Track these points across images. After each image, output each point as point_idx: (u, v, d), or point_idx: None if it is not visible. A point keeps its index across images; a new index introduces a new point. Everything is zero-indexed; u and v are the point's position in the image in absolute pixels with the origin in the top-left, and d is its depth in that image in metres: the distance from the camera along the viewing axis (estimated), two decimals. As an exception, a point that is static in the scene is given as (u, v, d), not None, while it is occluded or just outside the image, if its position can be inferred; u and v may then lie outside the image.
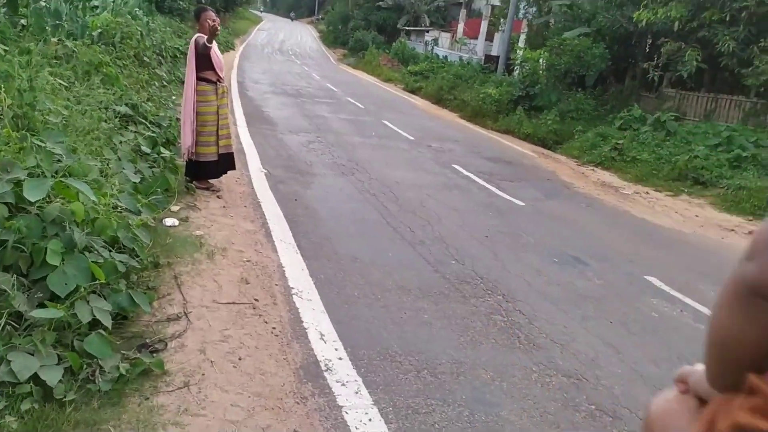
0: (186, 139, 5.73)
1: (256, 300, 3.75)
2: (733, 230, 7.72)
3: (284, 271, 4.34)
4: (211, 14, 5.61)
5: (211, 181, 6.04)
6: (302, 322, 3.58)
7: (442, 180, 8.39)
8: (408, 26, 38.46)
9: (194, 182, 5.87)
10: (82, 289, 2.73)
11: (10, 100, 3.80)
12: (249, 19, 51.29)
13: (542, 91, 15.95)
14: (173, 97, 10.70)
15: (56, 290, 2.66)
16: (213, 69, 5.68)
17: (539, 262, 5.38)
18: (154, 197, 4.90)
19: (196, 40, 5.58)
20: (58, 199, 2.94)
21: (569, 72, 15.66)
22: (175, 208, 5.19)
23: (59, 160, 3.70)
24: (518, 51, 18.97)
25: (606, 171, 10.99)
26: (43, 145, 3.68)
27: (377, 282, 4.39)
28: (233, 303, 3.66)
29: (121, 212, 3.70)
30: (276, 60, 29.30)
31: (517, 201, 7.68)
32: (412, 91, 22.62)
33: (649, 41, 15.59)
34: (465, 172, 9.07)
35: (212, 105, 5.75)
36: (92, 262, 2.89)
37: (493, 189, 8.20)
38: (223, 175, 6.18)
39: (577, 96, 15.30)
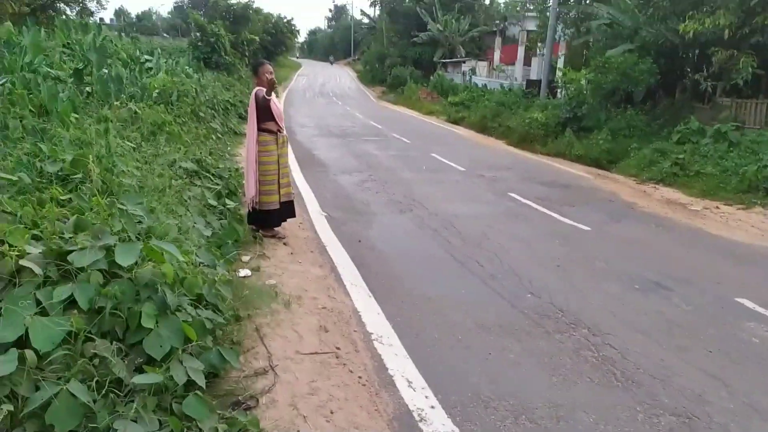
0: (250, 190, 5.84)
1: (338, 348, 3.70)
2: (819, 241, 7.24)
3: (360, 316, 4.28)
4: (269, 67, 5.78)
5: (276, 228, 6.11)
6: (387, 369, 3.49)
7: (500, 210, 8.24)
8: (444, 59, 38.87)
9: (260, 231, 5.94)
10: (177, 351, 2.74)
11: (96, 168, 3.96)
12: (289, 66, 53.05)
13: (590, 111, 15.66)
14: (228, 148, 11.04)
15: (153, 353, 2.68)
16: (273, 120, 5.80)
17: (619, 289, 5.14)
18: (225, 249, 4.98)
19: (256, 93, 5.72)
20: (147, 263, 2.99)
21: (616, 90, 15.36)
22: (246, 258, 5.25)
23: (140, 222, 3.80)
24: (560, 73, 18.77)
25: (669, 188, 10.58)
26: (124, 208, 3.79)
27: (456, 321, 4.28)
28: (316, 353, 3.61)
29: (203, 269, 3.75)
30: (318, 103, 30.02)
31: (583, 226, 7.44)
32: (455, 122, 22.66)
33: (697, 51, 15.15)
34: (523, 200, 8.89)
35: (273, 155, 5.86)
36: (183, 321, 2.90)
37: (555, 215, 7.99)
38: (285, 222, 6.25)
39: (627, 113, 14.95)
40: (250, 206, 5.93)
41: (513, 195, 9.22)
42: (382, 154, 13.39)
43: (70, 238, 3.01)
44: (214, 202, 6.11)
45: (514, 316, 4.45)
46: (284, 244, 5.90)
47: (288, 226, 6.38)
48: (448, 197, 8.91)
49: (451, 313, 4.43)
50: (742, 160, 10.42)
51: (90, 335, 2.59)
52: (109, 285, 2.80)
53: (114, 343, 2.63)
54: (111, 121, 5.12)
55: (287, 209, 6.10)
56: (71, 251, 2.84)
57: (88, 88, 8.48)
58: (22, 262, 2.65)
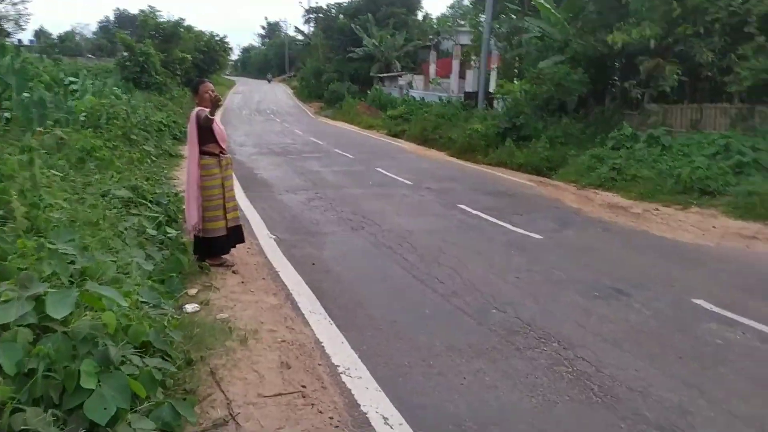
0: (192, 217, 5.48)
1: (303, 387, 3.41)
2: (755, 237, 7.55)
3: (323, 347, 4.01)
4: (210, 85, 5.52)
5: (223, 256, 5.74)
6: (359, 405, 3.24)
7: (453, 223, 8.16)
8: (381, 73, 39.08)
9: (206, 260, 5.56)
10: (125, 412, 2.39)
11: (20, 206, 3.52)
12: (223, 84, 51.93)
13: (527, 120, 16.01)
14: (164, 171, 10.49)
15: (96, 418, 2.32)
16: (215, 141, 5.48)
17: (581, 299, 5.11)
18: (170, 283, 4.60)
19: (197, 114, 5.38)
20: (85, 312, 2.63)
21: (551, 99, 15.78)
22: (192, 291, 4.88)
23: (73, 262, 3.40)
24: (498, 85, 19.15)
25: (608, 192, 10.86)
26: (54, 247, 3.39)
27: (424, 345, 4.08)
28: (280, 394, 3.31)
29: (149, 312, 3.38)
30: (256, 121, 29.41)
31: (535, 235, 7.45)
32: (396, 135, 22.69)
33: (625, 61, 15.78)
34: (473, 211, 8.86)
35: (217, 178, 5.52)
36: (129, 376, 2.56)
37: (507, 225, 7.98)
38: (233, 248, 5.90)
39: (563, 122, 15.38)
40: (193, 234, 5.56)
41: (462, 206, 9.17)
42: (327, 170, 13.14)
43: (-10, 288, 2.61)
44: (153, 232, 5.68)
45: (483, 334, 4.30)
46: (233, 272, 5.55)
47: (236, 252, 6.02)
48: (399, 212, 8.76)
49: (419, 336, 4.23)
50: (676, 163, 10.84)
51: (19, 405, 2.21)
52: (41, 342, 2.42)
53: (49, 411, 2.26)
54: (35, 150, 4.63)
55: (235, 235, 5.76)
56: (-8, 306, 2.45)
57: (7, 114, 7.83)
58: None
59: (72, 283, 3.15)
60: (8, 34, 22.17)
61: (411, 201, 9.71)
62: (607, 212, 9.22)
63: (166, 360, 3.10)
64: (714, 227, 8.12)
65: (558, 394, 3.44)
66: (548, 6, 17.87)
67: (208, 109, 5.27)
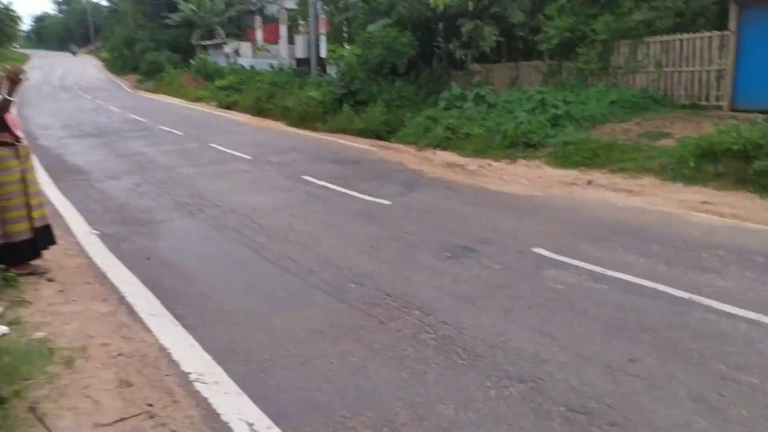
0: None
1: (150, 405, 2.96)
2: (574, 183, 8.33)
3: (170, 354, 3.54)
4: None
5: (32, 263, 4.85)
6: (220, 415, 2.89)
7: (299, 196, 7.86)
8: (203, 41, 36.55)
9: (11, 270, 4.64)
10: None
11: None
12: (14, 58, 44.85)
13: (362, 85, 16.03)
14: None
15: None
16: (8, 129, 4.58)
17: (435, 261, 5.17)
18: (-38, 306, 3.75)
19: None
20: None
21: (383, 63, 15.93)
22: (-4, 310, 4.03)
23: None
24: (330, 50, 18.87)
25: (445, 151, 11.30)
26: None
27: (284, 333, 3.80)
28: (122, 419, 2.83)
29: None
30: (62, 98, 25.96)
31: (383, 201, 7.45)
32: (228, 107, 21.51)
33: (447, 24, 16.40)
34: (319, 182, 8.63)
35: (14, 172, 4.63)
36: None
37: (354, 193, 7.88)
38: (45, 252, 5.03)
39: (396, 85, 15.64)
40: None
41: (307, 178, 8.90)
42: (154, 150, 11.96)
43: None
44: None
45: (344, 312, 4.13)
46: (48, 280, 4.72)
47: (49, 256, 5.14)
48: (241, 190, 8.23)
49: (278, 324, 3.93)
50: (502, 119, 11.57)
51: None
52: None
53: None
54: None
55: (44, 236, 4.93)
56: None
57: None
58: None
59: None
60: None
61: (252, 177, 9.19)
62: (447, 171, 9.56)
63: (-38, 408, 2.46)
64: (540, 177, 8.82)
65: (426, 363, 3.40)
66: (371, -31, 17.88)
67: (6, 89, 4.38)
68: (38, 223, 4.82)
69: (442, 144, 11.66)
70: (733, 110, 10.30)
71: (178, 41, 37.50)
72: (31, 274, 4.74)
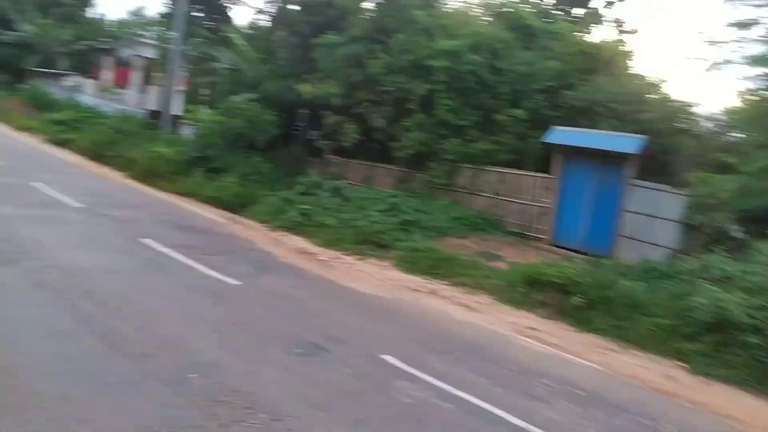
0: None
1: None
2: (418, 290, 8.69)
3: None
4: None
5: None
6: None
7: (138, 261, 7.15)
8: (41, 68, 33.18)
9: None
10: None
11: None
12: None
13: (220, 152, 15.61)
14: None
15: None
16: None
17: (285, 356, 4.94)
18: None
19: None
20: None
21: (243, 135, 15.78)
22: None
23: None
24: (187, 110, 18.25)
25: (297, 236, 11.20)
26: None
27: (109, 428, 3.26)
28: None
29: None
30: None
31: (232, 280, 7.06)
32: (60, 144, 19.34)
33: (308, 112, 16.91)
34: (161, 248, 7.96)
35: None
36: None
37: (201, 267, 7.38)
38: None
39: (253, 159, 15.47)
40: None
41: (148, 242, 8.17)
42: (-41, 179, 10.23)
43: None
44: None
45: (181, 408, 3.70)
46: None
47: None
48: (68, 243, 7.28)
49: (101, 417, 3.38)
50: (356, 215, 11.90)
51: None
52: None
53: None
54: None
55: None
56: None
57: None
58: None
59: None
60: None
61: (84, 230, 8.21)
62: (298, 258, 9.44)
63: None
64: (388, 279, 9.06)
65: (274, 478, 3.13)
66: (240, 42, 18.06)
67: None
68: None
69: (295, 228, 11.57)
70: (552, 245, 11.78)
71: (11, 62, 33.56)
72: None
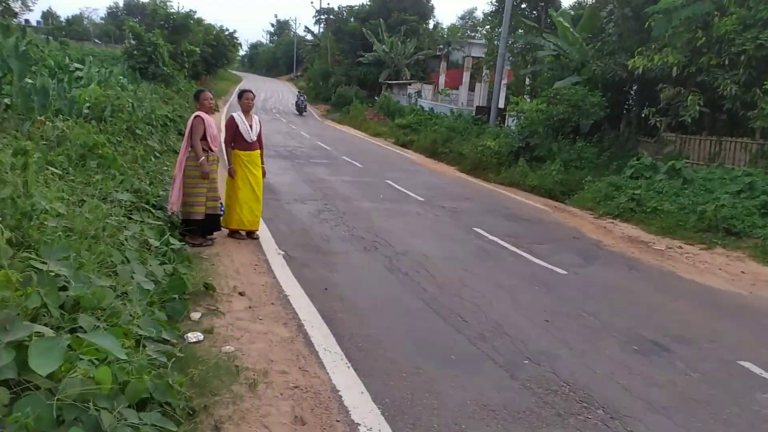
0: (172, 202, 6.34)
1: (321, 451, 2.95)
2: (789, 287, 7.13)
3: (341, 397, 3.55)
4: (209, 95, 6.62)
5: (202, 238, 6.43)
6: (386, 480, 2.78)
7: (471, 249, 7.72)
8: (389, 80, 38.71)
9: (187, 241, 6.14)
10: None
11: (12, 220, 3.05)
12: (229, 79, 51.51)
13: (541, 141, 15.62)
14: (166, 169, 10.01)
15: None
16: (207, 142, 6.36)
17: (620, 352, 4.66)
18: (172, 307, 4.15)
19: (197, 117, 6.28)
20: (77, 364, 2.16)
21: (567, 121, 15.39)
22: (195, 315, 4.42)
23: (65, 287, 2.94)
24: (511, 102, 18.74)
25: (627, 223, 10.44)
26: (44, 267, 2.92)
27: (454, 403, 3.62)
28: (294, 460, 2.85)
29: (148, 355, 2.91)
30: (263, 119, 28.91)
31: (559, 269, 7.01)
32: (404, 145, 22.30)
33: (642, 87, 15.41)
34: (490, 237, 8.43)
35: (206, 167, 6.32)
36: (124, 446, 2.10)
37: (528, 256, 7.54)
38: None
39: (577, 145, 14.95)
40: (171, 210, 6.38)
41: (479, 231, 8.74)
42: (336, 179, 12.70)
43: (-37, 328, 2.14)
44: (156, 243, 5.21)
45: (517, 392, 3.84)
46: (240, 294, 5.08)
47: (243, 270, 5.60)
48: (413, 232, 8.32)
49: (447, 390, 3.77)
50: (698, 198, 10.44)
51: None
52: (19, 405, 1.95)
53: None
54: (31, 152, 4.17)
55: (211, 221, 6.51)
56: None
57: (6, 100, 7.35)
58: None
59: (63, 315, 2.69)
60: (15, 14, 21.66)
61: (425, 221, 9.27)
62: (630, 247, 8.79)
63: (167, 416, 2.63)
64: (743, 272, 7.70)
65: (613, 478, 2.99)
66: (566, 24, 17.55)
67: (206, 115, 6.32)
68: (210, 211, 6.42)
69: (624, 215, 10.80)
70: None
71: (367, 78, 40.12)
72: (200, 245, 6.28)
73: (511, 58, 23.03)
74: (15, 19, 20.32)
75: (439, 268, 6.57)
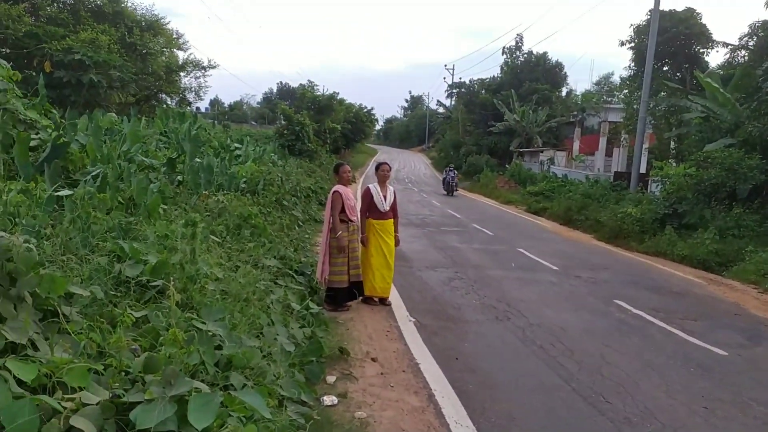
0: (321, 271, 6.70)
1: None
2: None
3: (473, 475, 3.43)
4: (348, 168, 7.12)
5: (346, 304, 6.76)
6: None
7: (612, 322, 7.21)
8: (521, 148, 38.49)
9: (325, 307, 6.48)
10: None
11: (178, 280, 3.50)
12: (365, 152, 54.52)
13: (691, 207, 14.41)
14: (308, 236, 10.70)
15: None
16: (345, 213, 6.73)
17: (799, 452, 4.01)
18: (309, 369, 4.35)
19: (335, 193, 6.69)
20: (227, 422, 2.36)
21: (721, 186, 14.12)
22: (331, 378, 4.58)
23: (220, 346, 3.24)
24: (656, 167, 17.68)
25: (803, 301, 9.13)
26: (204, 327, 3.26)
27: (597, 493, 3.33)
28: None
29: (289, 416, 3.08)
30: (395, 189, 30.03)
31: (717, 350, 6.28)
32: (536, 212, 21.79)
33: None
34: (634, 310, 7.82)
35: (343, 240, 6.63)
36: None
37: (679, 333, 6.86)
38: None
39: (734, 212, 13.56)
40: (321, 282, 6.74)
41: (621, 303, 8.16)
42: (466, 247, 12.68)
43: (137, 378, 2.45)
44: (297, 306, 5.56)
45: (671, 487, 3.44)
46: (372, 360, 5.19)
47: (375, 336, 5.73)
48: (547, 302, 7.99)
49: (588, 478, 3.48)
50: None
51: None
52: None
53: None
54: (198, 223, 4.77)
55: (355, 287, 6.86)
56: (134, 403, 2.25)
57: (179, 177, 8.46)
58: (72, 421, 2.08)
59: (217, 373, 2.96)
60: (189, 104, 25.15)
61: (559, 291, 8.87)
62: (806, 327, 7.64)
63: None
64: None
65: None
66: (716, 85, 16.45)
67: (342, 186, 6.80)
68: (353, 279, 6.77)
69: (799, 291, 9.49)
70: None
71: (498, 146, 40.32)
72: (335, 310, 6.56)
73: (653, 122, 21.95)
74: (189, 107, 23.59)
75: (576, 342, 6.21)
